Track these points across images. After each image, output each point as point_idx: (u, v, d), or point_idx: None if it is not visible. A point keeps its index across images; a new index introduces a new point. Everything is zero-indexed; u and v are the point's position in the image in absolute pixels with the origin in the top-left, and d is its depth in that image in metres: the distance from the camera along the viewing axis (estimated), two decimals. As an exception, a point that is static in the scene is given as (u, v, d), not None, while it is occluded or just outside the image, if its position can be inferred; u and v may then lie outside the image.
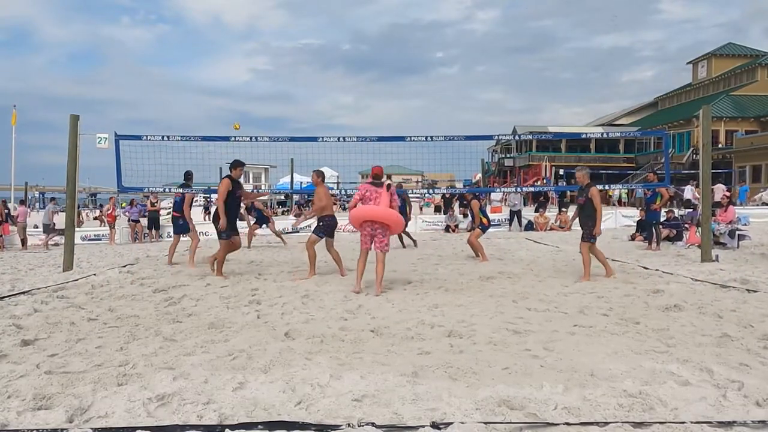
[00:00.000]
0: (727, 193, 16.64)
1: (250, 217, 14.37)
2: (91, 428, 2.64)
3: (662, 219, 14.44)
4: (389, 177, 49.79)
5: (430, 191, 19.34)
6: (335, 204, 9.06)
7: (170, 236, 18.79)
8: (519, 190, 20.46)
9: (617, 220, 19.50)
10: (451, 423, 2.62)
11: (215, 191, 8.43)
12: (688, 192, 20.74)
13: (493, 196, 21.93)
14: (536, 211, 20.43)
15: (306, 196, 27.77)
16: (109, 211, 18.36)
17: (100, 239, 17.78)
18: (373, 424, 2.63)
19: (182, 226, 9.88)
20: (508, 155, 48.48)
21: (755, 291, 6.20)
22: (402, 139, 10.26)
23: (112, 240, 17.58)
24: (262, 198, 23.03)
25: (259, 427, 2.63)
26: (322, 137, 10.16)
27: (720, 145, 34.19)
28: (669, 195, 12.44)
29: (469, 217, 19.93)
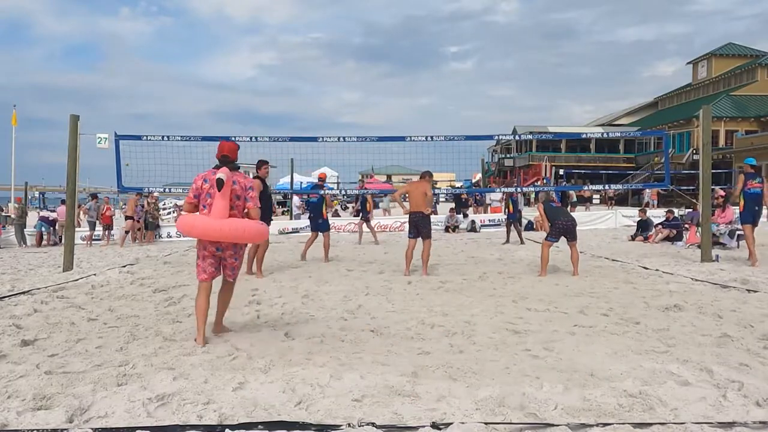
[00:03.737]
0: (722, 194, 16.59)
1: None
2: (91, 428, 2.64)
3: (662, 219, 14.46)
4: (389, 177, 49.53)
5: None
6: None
7: (170, 236, 19.21)
8: (519, 190, 20.45)
9: (617, 220, 19.49)
10: (451, 423, 2.62)
11: None
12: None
13: (492, 196, 21.92)
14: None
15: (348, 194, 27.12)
16: (104, 212, 18.23)
17: (99, 239, 17.73)
18: (373, 424, 2.63)
19: (322, 224, 10.11)
20: (508, 155, 48.46)
21: (755, 291, 6.21)
22: (402, 139, 10.27)
23: (107, 241, 17.53)
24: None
25: (259, 427, 2.63)
26: (322, 137, 10.17)
27: (720, 145, 34.17)
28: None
29: (470, 218, 20.04)
